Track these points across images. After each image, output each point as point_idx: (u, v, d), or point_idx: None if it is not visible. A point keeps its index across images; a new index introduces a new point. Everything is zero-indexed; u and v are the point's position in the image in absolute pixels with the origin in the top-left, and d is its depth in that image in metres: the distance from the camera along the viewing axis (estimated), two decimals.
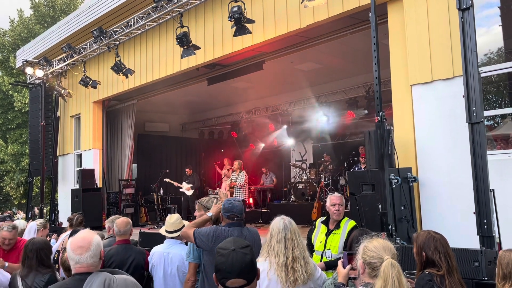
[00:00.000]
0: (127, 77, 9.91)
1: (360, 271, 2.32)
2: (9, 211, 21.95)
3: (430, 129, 5.55)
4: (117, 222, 4.17)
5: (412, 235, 4.75)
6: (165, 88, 11.87)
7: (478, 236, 4.16)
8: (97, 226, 10.66)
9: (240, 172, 10.32)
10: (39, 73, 12.23)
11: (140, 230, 6.66)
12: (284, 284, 2.74)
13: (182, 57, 8.28)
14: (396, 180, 4.89)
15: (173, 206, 12.38)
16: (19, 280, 3.26)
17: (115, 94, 11.53)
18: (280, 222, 2.86)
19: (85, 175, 11.60)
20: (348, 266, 2.53)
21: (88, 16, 10.68)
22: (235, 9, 6.83)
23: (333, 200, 4.13)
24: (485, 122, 4.47)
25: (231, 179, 10.48)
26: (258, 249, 3.05)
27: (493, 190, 4.21)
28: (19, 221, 6.23)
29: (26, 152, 20.22)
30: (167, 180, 11.85)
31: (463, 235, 4.37)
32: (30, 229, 5.46)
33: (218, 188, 11.95)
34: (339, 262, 2.62)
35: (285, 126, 13.81)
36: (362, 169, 9.61)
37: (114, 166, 13.19)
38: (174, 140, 16.00)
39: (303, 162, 13.79)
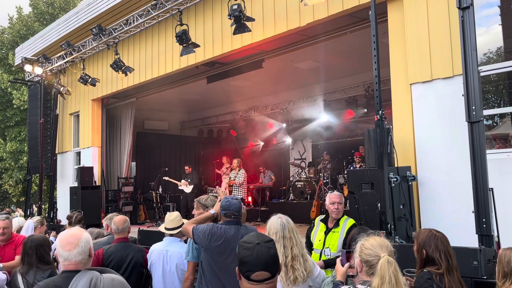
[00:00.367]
0: (126, 75, 9.89)
1: (358, 269, 2.32)
2: (7, 209, 21.94)
3: (429, 128, 5.55)
4: (115, 220, 4.16)
5: (411, 234, 4.77)
6: (164, 86, 11.85)
7: (477, 235, 4.16)
8: (96, 224, 10.65)
9: (239, 170, 10.32)
10: (38, 70, 12.20)
11: (139, 228, 6.66)
12: (284, 283, 2.74)
13: (181, 55, 8.27)
14: (395, 179, 4.90)
15: (172, 204, 12.39)
16: (19, 278, 3.25)
17: (114, 92, 11.51)
18: (278, 221, 2.86)
19: (84, 173, 11.59)
20: (347, 264, 2.53)
21: (87, 14, 10.66)
22: (235, 7, 6.82)
23: (332, 199, 4.13)
24: (484, 122, 4.46)
25: (230, 178, 10.48)
26: None
27: (492, 189, 4.21)
28: (18, 218, 6.19)
29: (25, 149, 20.20)
30: (166, 178, 11.84)
31: (462, 234, 4.37)
32: (28, 228, 5.42)
33: (217, 187, 11.94)
34: (338, 260, 2.62)
35: (284, 125, 13.81)
36: (357, 169, 9.65)
37: (113, 164, 13.18)
38: (173, 138, 15.98)
39: (302, 161, 13.79)
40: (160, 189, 12.53)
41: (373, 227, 3.94)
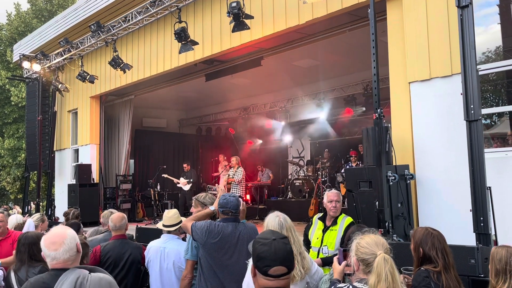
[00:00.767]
0: (124, 72, 9.87)
1: (354, 268, 2.32)
2: (5, 206, 21.90)
3: (427, 127, 5.56)
4: (112, 218, 4.16)
5: (409, 232, 4.77)
6: (163, 83, 11.83)
7: (474, 233, 4.17)
8: (94, 221, 10.65)
9: (238, 168, 10.31)
10: (36, 67, 12.16)
11: (137, 226, 6.65)
12: None
13: (180, 53, 8.25)
14: (393, 177, 4.90)
15: (170, 202, 12.38)
16: (12, 275, 3.25)
17: (112, 89, 11.48)
18: (275, 219, 2.85)
19: (82, 170, 11.58)
20: (344, 263, 2.53)
21: (86, 10, 10.62)
22: (234, 4, 6.81)
23: (330, 197, 4.13)
24: (482, 121, 4.46)
25: (228, 175, 10.47)
26: None
27: (489, 187, 4.21)
28: (15, 215, 6.16)
29: (23, 146, 20.14)
30: (165, 175, 11.83)
31: (459, 232, 4.38)
32: (28, 227, 5.38)
33: (216, 184, 11.94)
34: (335, 259, 2.62)
35: (282, 123, 13.79)
36: (353, 167, 9.67)
37: (111, 162, 13.17)
38: (171, 136, 15.97)
39: (300, 159, 13.80)
40: (158, 187, 12.51)
41: (371, 226, 3.94)
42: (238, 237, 3.27)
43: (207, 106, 16.06)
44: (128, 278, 3.94)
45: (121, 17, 9.72)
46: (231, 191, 10.08)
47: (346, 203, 6.84)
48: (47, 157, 12.69)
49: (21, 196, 21.24)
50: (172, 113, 16.72)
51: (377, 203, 4.89)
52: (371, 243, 2.25)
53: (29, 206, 12.89)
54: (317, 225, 4.21)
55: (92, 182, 11.77)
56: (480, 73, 4.61)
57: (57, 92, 12.64)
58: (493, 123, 7.96)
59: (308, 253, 3.36)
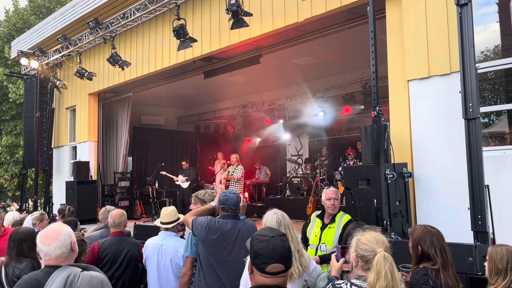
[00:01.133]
0: (123, 69, 9.85)
1: (353, 264, 2.31)
2: (2, 203, 21.87)
3: (426, 125, 5.56)
4: (112, 214, 4.14)
5: (407, 230, 4.78)
6: (161, 81, 11.81)
7: (472, 231, 4.18)
8: (92, 218, 10.64)
9: (237, 166, 10.31)
10: (34, 64, 12.13)
11: (135, 223, 6.65)
12: None
13: (178, 50, 8.23)
14: (391, 175, 4.90)
15: (168, 200, 12.36)
16: (2, 269, 3.26)
17: (111, 86, 11.46)
18: (273, 217, 2.84)
19: (80, 168, 11.56)
20: (341, 260, 2.53)
21: (84, 7, 10.58)
22: (233, 1, 6.78)
23: (328, 194, 4.13)
24: (481, 119, 4.47)
25: (228, 172, 10.46)
26: None
27: (488, 186, 4.22)
28: (12, 212, 6.12)
29: (21, 143, 20.08)
30: (164, 173, 11.81)
31: (457, 230, 4.38)
32: (26, 225, 5.34)
33: (214, 183, 11.95)
34: (333, 256, 2.61)
35: (281, 121, 13.77)
36: (351, 165, 9.66)
37: (109, 159, 13.15)
38: (169, 133, 15.95)
39: (299, 157, 13.79)
40: (157, 184, 12.50)
41: (369, 223, 3.92)
42: (237, 234, 3.27)
43: (206, 103, 16.04)
44: (126, 275, 3.93)
45: (119, 14, 9.69)
46: (229, 188, 10.08)
47: (344, 201, 6.85)
48: (45, 154, 12.68)
49: (19, 193, 21.23)
50: (170, 111, 16.69)
51: (375, 201, 4.90)
52: (371, 240, 2.25)
53: (27, 203, 12.87)
54: (315, 223, 4.20)
55: (90, 179, 11.76)
56: (479, 71, 4.62)
57: (55, 89, 12.62)
58: (491, 122, 7.97)
59: (306, 251, 3.36)
